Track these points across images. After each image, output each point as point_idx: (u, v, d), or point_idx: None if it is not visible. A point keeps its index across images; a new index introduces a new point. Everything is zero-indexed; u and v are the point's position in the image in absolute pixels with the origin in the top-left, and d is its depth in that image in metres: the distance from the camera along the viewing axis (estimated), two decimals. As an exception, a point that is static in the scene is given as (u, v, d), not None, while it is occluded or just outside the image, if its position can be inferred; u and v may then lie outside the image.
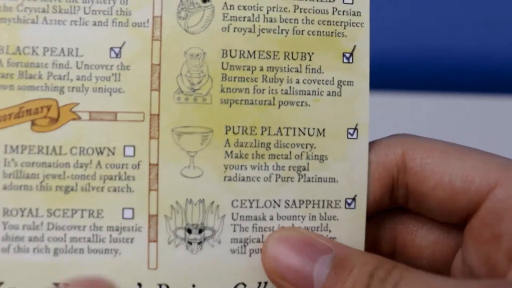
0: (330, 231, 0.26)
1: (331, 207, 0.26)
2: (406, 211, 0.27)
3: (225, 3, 0.25)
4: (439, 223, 0.26)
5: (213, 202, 0.25)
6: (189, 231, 0.25)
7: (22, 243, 0.24)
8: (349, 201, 0.26)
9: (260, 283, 0.25)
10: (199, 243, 0.25)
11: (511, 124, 0.50)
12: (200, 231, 0.25)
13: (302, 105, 0.26)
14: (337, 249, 0.24)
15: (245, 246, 0.25)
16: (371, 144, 0.26)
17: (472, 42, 0.54)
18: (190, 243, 0.25)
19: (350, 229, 0.26)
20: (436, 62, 0.53)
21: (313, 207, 0.26)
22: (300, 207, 0.26)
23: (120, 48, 0.25)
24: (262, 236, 0.25)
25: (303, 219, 0.26)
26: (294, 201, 0.25)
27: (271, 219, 0.25)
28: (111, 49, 0.25)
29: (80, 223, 0.24)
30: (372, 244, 0.26)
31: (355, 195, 0.26)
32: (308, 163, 0.26)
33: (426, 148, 0.25)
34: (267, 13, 0.25)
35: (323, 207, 0.26)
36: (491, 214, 0.24)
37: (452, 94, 0.51)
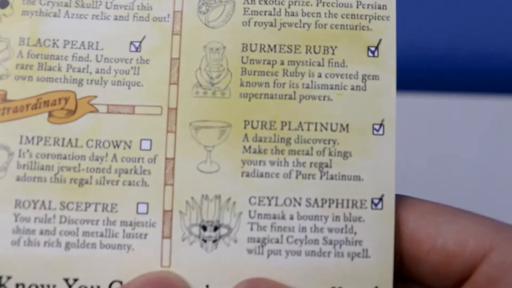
0: (355, 233, 0.24)
1: (356, 207, 0.24)
2: (398, 279, 0.25)
3: None
4: None
5: (229, 199, 0.24)
6: (204, 228, 0.24)
7: (33, 236, 0.24)
8: (375, 201, 0.24)
9: (278, 287, 0.24)
10: (214, 241, 0.24)
11: (511, 124, 0.48)
12: (216, 229, 0.24)
13: (324, 99, 0.24)
14: None
15: (263, 246, 0.24)
16: None
17: (473, 42, 0.52)
18: (204, 240, 0.24)
19: (377, 232, 0.24)
20: (436, 62, 0.52)
21: (337, 206, 0.24)
22: (322, 206, 0.24)
23: (140, 42, 0.25)
24: (281, 236, 0.24)
25: (326, 219, 0.24)
26: (316, 199, 0.24)
27: (291, 218, 0.24)
28: (131, 43, 0.25)
29: (93, 217, 0.24)
30: None
31: (382, 195, 0.24)
32: (331, 160, 0.24)
33: (418, 210, 0.24)
34: (289, 7, 0.25)
35: (347, 207, 0.24)
36: (485, 280, 0.23)
37: (452, 94, 0.49)
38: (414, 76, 0.51)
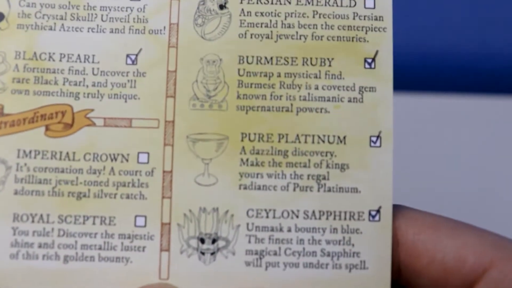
0: (353, 245, 0.24)
1: (354, 219, 0.24)
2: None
3: (242, 9, 0.25)
4: None
5: (227, 211, 0.24)
6: (202, 240, 0.24)
7: (31, 249, 0.24)
8: (373, 213, 0.24)
9: (276, 299, 0.24)
10: (212, 253, 0.24)
11: (511, 124, 0.48)
12: (214, 241, 0.24)
13: (321, 111, 0.25)
14: None
15: (260, 258, 0.24)
16: None
17: (473, 42, 0.52)
18: (203, 253, 0.24)
19: (374, 244, 0.24)
20: (436, 62, 0.52)
21: (334, 219, 0.24)
22: (320, 218, 0.24)
23: (137, 55, 0.25)
24: (279, 248, 0.24)
25: (324, 231, 0.24)
26: (313, 212, 0.24)
27: (289, 230, 0.24)
28: (128, 56, 0.25)
29: (92, 230, 0.24)
30: None
31: (380, 207, 0.24)
32: (328, 172, 0.24)
33: (418, 223, 0.24)
34: (285, 19, 0.25)
35: (345, 219, 0.24)
36: None
37: (452, 94, 0.49)
38: (414, 76, 0.51)
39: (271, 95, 0.25)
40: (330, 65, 0.25)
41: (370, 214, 0.24)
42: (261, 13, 0.25)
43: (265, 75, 0.25)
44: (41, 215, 0.24)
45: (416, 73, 0.51)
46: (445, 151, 0.48)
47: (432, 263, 0.24)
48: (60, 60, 0.25)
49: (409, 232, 0.24)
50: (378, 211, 0.24)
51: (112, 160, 0.24)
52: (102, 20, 0.25)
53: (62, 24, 0.25)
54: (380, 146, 0.24)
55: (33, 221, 0.24)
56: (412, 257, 0.24)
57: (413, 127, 0.48)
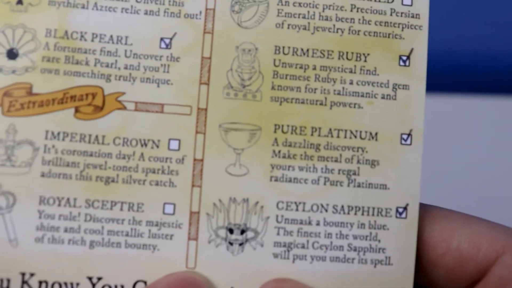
0: (379, 241, 0.24)
1: (381, 215, 0.24)
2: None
3: None
4: None
5: (257, 203, 0.24)
6: (231, 231, 0.24)
7: (57, 233, 0.23)
8: (400, 210, 0.24)
9: (302, 291, 0.24)
10: (241, 244, 0.24)
11: (511, 124, 0.49)
12: (242, 232, 0.24)
13: (355, 107, 0.25)
14: None
15: (289, 251, 0.24)
16: None
17: (473, 42, 0.53)
18: (231, 243, 0.24)
19: (400, 241, 0.24)
20: (437, 62, 0.53)
21: (363, 214, 0.24)
22: (348, 213, 0.24)
23: (171, 39, 0.24)
24: (307, 241, 0.24)
25: (351, 226, 0.24)
26: (342, 206, 0.24)
27: (318, 224, 0.24)
28: (162, 39, 0.24)
29: (119, 216, 0.23)
30: None
31: (407, 204, 0.24)
32: (358, 168, 0.24)
33: (432, 215, 0.25)
34: (323, 11, 0.25)
35: (373, 215, 0.24)
36: (497, 280, 0.24)
37: (452, 94, 0.50)
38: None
39: (305, 88, 0.24)
40: (365, 61, 0.25)
41: (397, 211, 0.24)
42: (299, 4, 0.25)
43: (301, 67, 0.24)
44: (68, 199, 0.23)
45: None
46: (445, 151, 0.49)
47: (448, 252, 0.24)
48: (92, 40, 0.24)
49: (425, 224, 0.25)
50: (405, 208, 0.24)
51: (142, 145, 0.24)
52: (136, 1, 0.24)
53: (95, 3, 0.24)
54: (410, 144, 0.25)
55: (59, 205, 0.23)
56: (428, 249, 0.24)
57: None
